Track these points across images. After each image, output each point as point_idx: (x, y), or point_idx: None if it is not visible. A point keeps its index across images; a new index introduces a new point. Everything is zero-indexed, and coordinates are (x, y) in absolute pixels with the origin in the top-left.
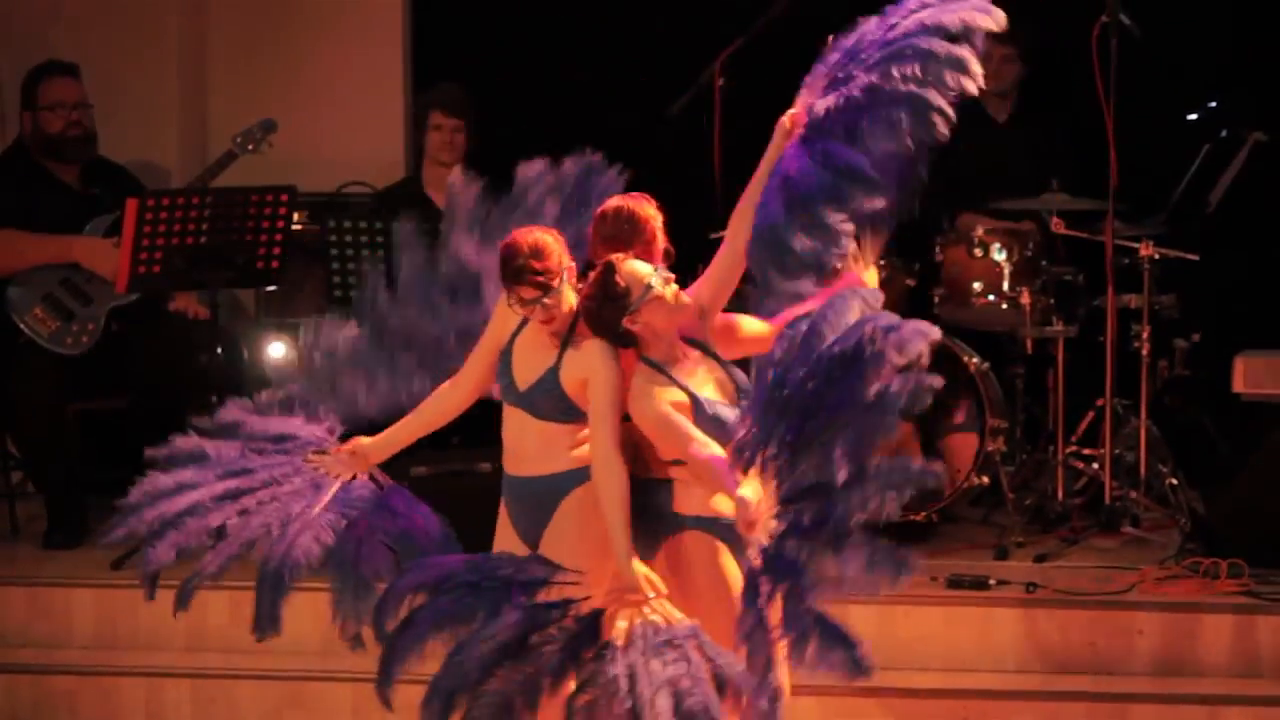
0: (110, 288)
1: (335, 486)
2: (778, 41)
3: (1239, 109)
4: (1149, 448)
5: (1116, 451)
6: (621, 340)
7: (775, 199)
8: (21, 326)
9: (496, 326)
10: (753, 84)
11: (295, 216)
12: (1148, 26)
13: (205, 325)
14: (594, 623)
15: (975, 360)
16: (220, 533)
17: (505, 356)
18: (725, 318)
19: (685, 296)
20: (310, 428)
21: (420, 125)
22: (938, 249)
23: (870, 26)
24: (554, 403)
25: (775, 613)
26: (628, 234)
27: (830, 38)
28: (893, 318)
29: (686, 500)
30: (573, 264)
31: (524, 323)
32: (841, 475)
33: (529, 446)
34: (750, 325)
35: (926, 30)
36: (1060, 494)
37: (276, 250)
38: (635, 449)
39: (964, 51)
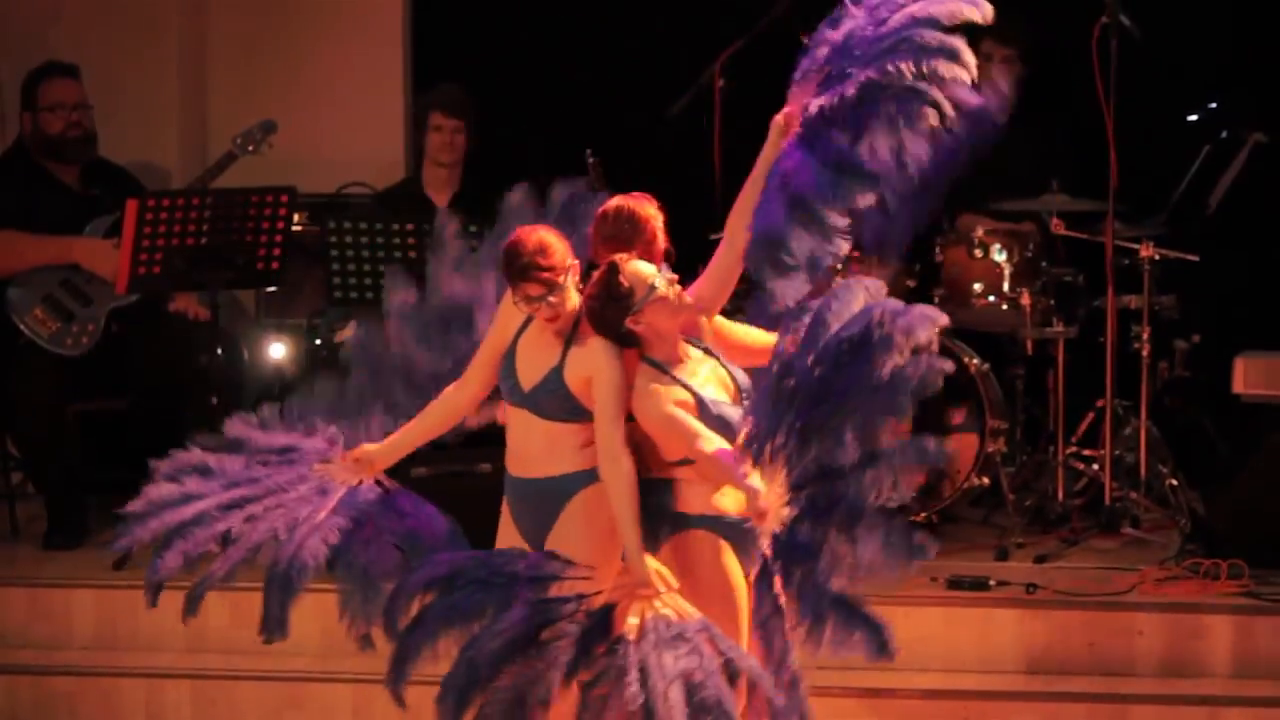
0: (110, 288)
1: (341, 491)
2: (778, 42)
3: (1239, 110)
4: (1149, 448)
5: (1117, 452)
6: (624, 340)
7: (775, 199)
8: (21, 327)
9: (499, 328)
10: (753, 85)
11: (295, 217)
12: (1147, 27)
13: (205, 326)
14: (605, 617)
15: (975, 361)
16: (227, 539)
17: (509, 358)
18: (719, 323)
19: (687, 297)
20: (313, 441)
21: (420, 126)
22: (938, 250)
23: (859, 22)
24: (559, 402)
25: (790, 598)
26: (628, 234)
27: (812, 32)
28: (899, 303)
29: (689, 499)
30: (576, 262)
31: (527, 323)
32: (852, 457)
33: (534, 447)
34: (746, 333)
35: (918, 23)
36: (1060, 495)
37: (276, 251)
38: (636, 449)
39: (957, 42)
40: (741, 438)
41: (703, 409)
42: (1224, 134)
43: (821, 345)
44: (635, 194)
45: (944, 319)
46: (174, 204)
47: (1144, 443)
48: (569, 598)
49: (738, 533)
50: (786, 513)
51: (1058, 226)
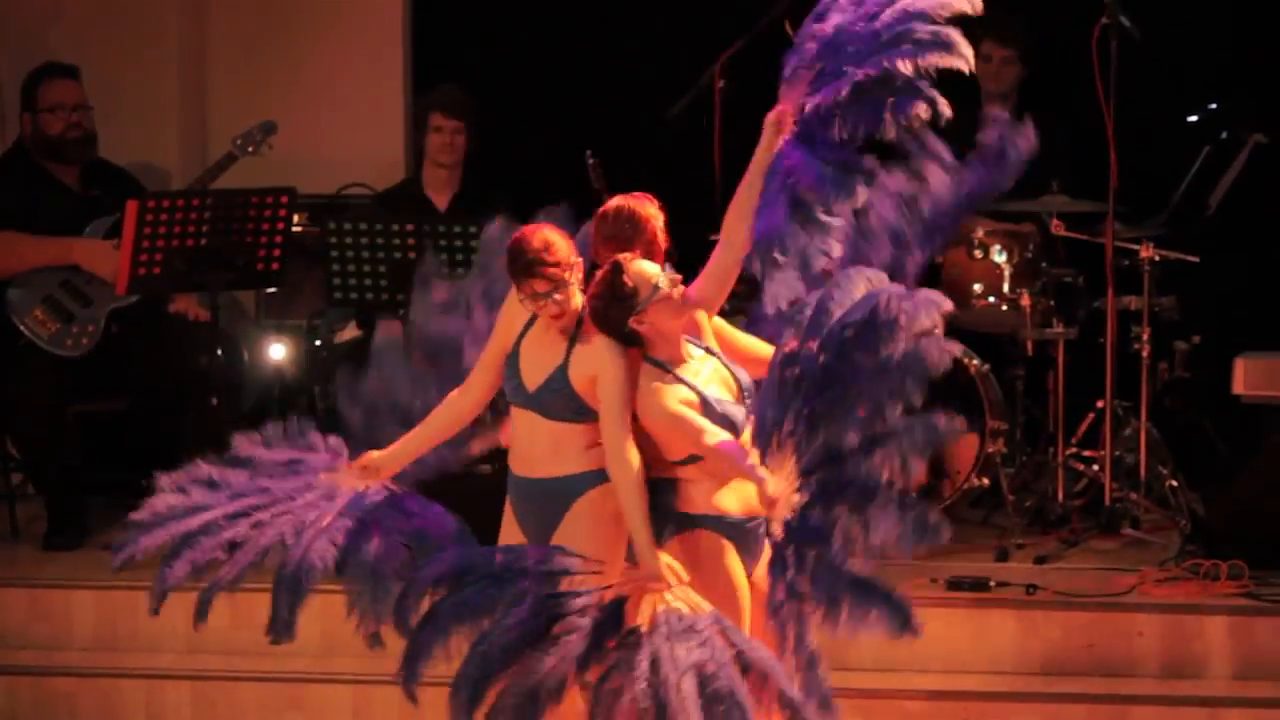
0: (110, 289)
1: (348, 495)
2: (778, 43)
3: (1239, 111)
4: (1149, 449)
5: (1116, 453)
6: (627, 340)
7: (778, 199)
8: (21, 328)
9: (502, 330)
10: (753, 86)
11: (295, 218)
12: (1148, 28)
13: (205, 327)
14: (617, 611)
15: (975, 362)
16: (234, 546)
17: (512, 359)
18: (721, 327)
19: (690, 297)
20: (318, 453)
21: (420, 127)
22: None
23: (847, 16)
24: (564, 402)
25: (805, 582)
26: (628, 233)
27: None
28: (902, 288)
29: (691, 499)
30: (580, 260)
31: (529, 325)
32: (861, 440)
33: (539, 448)
34: (749, 343)
35: (911, 17)
36: (1060, 496)
37: (276, 252)
38: (639, 449)
39: (952, 34)
40: (748, 432)
41: (707, 408)
42: (1224, 135)
43: (826, 333)
44: (636, 193)
45: (948, 304)
46: (174, 205)
47: (1144, 444)
48: (580, 592)
49: (740, 532)
50: (797, 499)
51: (1058, 227)
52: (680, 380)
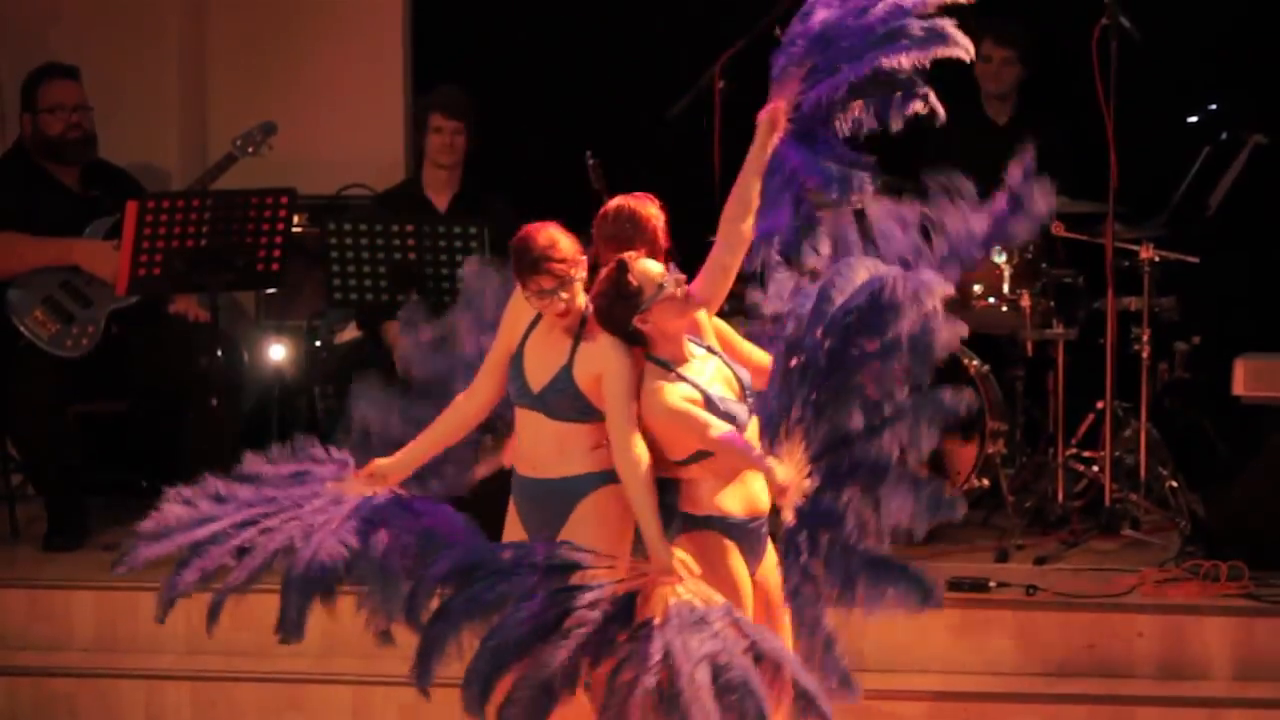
0: (110, 290)
1: (356, 500)
2: (778, 44)
3: (1239, 111)
4: (1149, 450)
5: (1116, 454)
6: (631, 339)
7: (782, 200)
8: (21, 329)
9: (506, 332)
10: (753, 86)
11: (295, 219)
12: (1147, 29)
13: (205, 328)
14: (629, 604)
15: (975, 363)
16: (243, 552)
17: (516, 360)
18: (723, 330)
19: (694, 297)
20: (324, 465)
21: (420, 128)
22: None
23: (835, 12)
24: (568, 402)
25: (819, 566)
26: (629, 233)
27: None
28: (901, 270)
29: (694, 500)
30: (585, 258)
31: (533, 326)
32: (869, 421)
33: (545, 449)
34: (751, 351)
35: (904, 12)
36: (1060, 496)
37: (276, 253)
38: None
39: (946, 26)
40: (753, 429)
41: (710, 406)
42: (1224, 135)
43: (829, 319)
44: (637, 193)
45: (949, 287)
46: (174, 206)
47: (1144, 444)
48: (590, 586)
49: (743, 533)
50: (808, 485)
51: (1058, 228)
52: (683, 379)
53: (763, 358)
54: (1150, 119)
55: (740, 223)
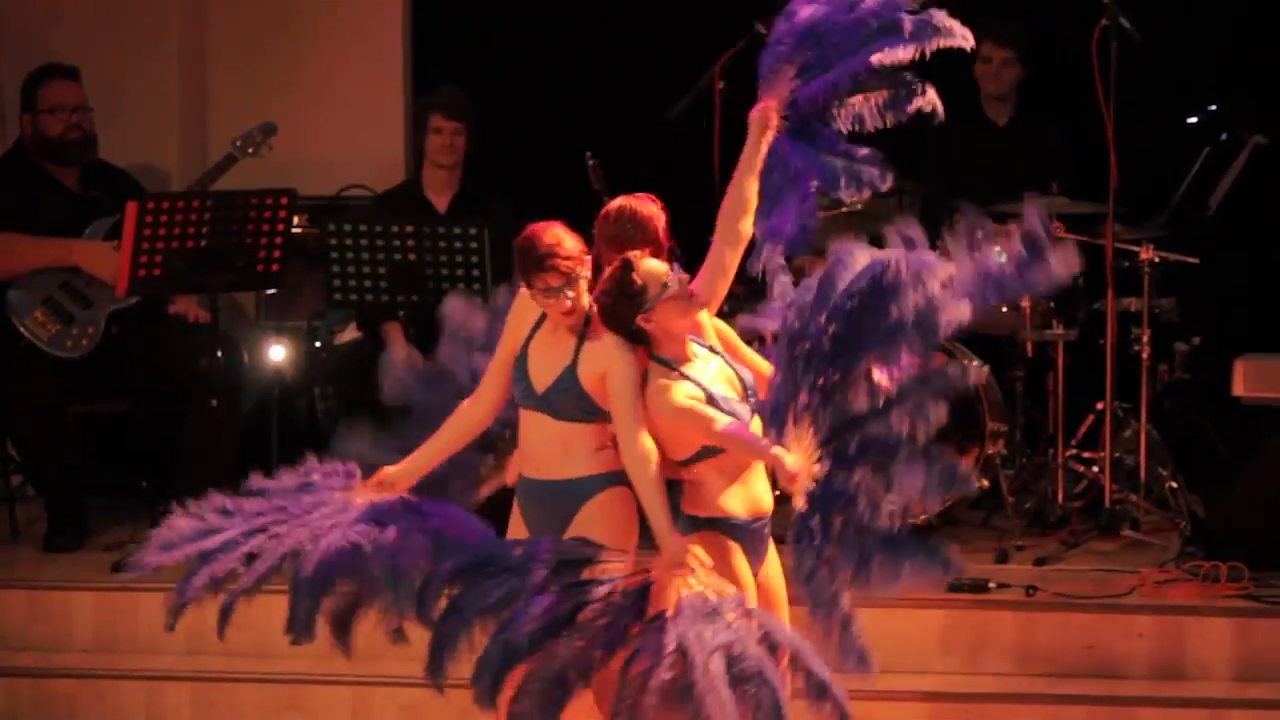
0: (110, 291)
1: (364, 505)
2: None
3: (1239, 112)
4: (1149, 451)
5: (1116, 455)
6: (634, 338)
7: (784, 198)
8: (21, 330)
9: (510, 335)
10: (753, 87)
11: (295, 220)
12: (1147, 30)
13: (205, 328)
14: (641, 596)
15: (975, 363)
16: (252, 558)
17: (520, 362)
18: (724, 332)
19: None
20: (331, 476)
21: (420, 128)
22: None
23: (820, 10)
24: (573, 402)
25: (833, 547)
26: (630, 233)
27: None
28: (902, 251)
29: (696, 501)
30: (589, 257)
31: (536, 326)
32: (877, 401)
33: (550, 450)
34: (752, 358)
35: (896, 4)
36: (1060, 497)
37: (276, 253)
38: None
39: (940, 19)
40: (755, 427)
41: (713, 405)
42: (1224, 136)
43: (832, 304)
44: (638, 194)
45: (950, 268)
46: (174, 206)
47: (1144, 445)
48: (602, 580)
49: (746, 534)
50: (818, 469)
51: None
52: (686, 378)
53: (763, 364)
54: (1150, 119)
55: (738, 222)
